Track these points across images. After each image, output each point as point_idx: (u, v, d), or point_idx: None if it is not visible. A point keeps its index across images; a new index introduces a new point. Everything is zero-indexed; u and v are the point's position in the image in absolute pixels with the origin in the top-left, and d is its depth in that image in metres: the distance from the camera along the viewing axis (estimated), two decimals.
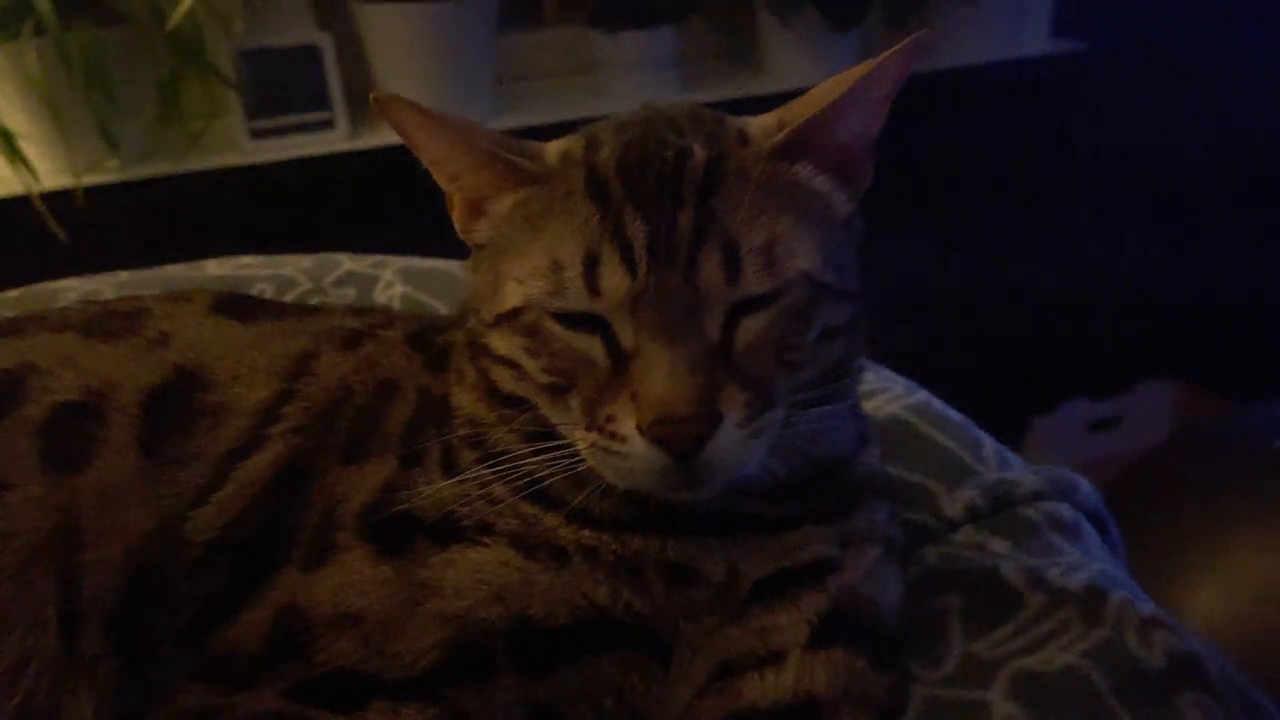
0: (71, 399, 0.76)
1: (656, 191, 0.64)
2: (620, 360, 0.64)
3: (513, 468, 0.68)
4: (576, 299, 0.64)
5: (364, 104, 1.87)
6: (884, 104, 0.68)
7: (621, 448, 0.63)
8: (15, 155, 1.60)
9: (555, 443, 0.68)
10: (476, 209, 0.72)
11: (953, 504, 0.84)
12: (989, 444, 0.90)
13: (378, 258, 1.17)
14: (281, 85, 1.80)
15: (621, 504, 0.69)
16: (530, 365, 0.68)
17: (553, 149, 0.71)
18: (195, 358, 0.79)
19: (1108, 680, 0.68)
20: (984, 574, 0.77)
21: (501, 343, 0.69)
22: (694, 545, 0.69)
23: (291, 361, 0.80)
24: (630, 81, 1.90)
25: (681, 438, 0.61)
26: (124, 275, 1.16)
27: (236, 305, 0.87)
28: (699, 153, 0.66)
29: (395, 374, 0.79)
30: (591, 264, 0.63)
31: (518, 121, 1.87)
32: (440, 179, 0.73)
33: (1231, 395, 2.33)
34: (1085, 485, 0.86)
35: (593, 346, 0.65)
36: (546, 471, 0.67)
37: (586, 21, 1.91)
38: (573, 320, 0.65)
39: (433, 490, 0.70)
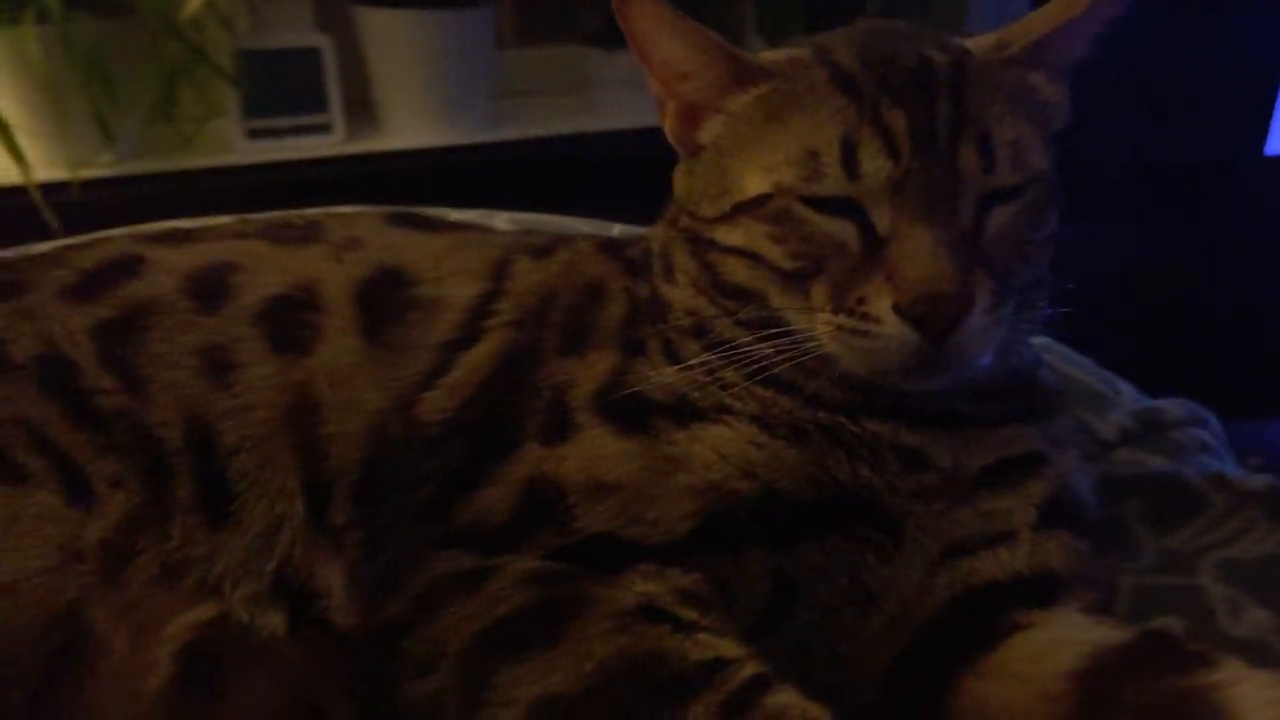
0: (282, 292, 0.77)
1: (909, 85, 0.68)
2: (873, 244, 0.67)
3: (742, 355, 0.71)
4: (834, 183, 0.67)
5: (362, 108, 1.89)
6: (1099, 30, 0.73)
7: (873, 328, 0.65)
8: (11, 146, 1.54)
9: (782, 329, 0.70)
10: (695, 112, 0.75)
11: (1105, 427, 0.91)
12: (1119, 380, 0.97)
13: (481, 210, 1.17)
14: (280, 87, 1.78)
15: (853, 393, 0.71)
16: (773, 252, 0.70)
17: (773, 55, 0.75)
18: (396, 258, 0.81)
19: None
20: (1164, 478, 0.83)
21: (735, 234, 0.72)
22: (923, 433, 0.72)
23: (491, 265, 0.82)
24: (623, 99, 1.95)
25: (940, 316, 0.64)
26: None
27: (413, 219, 0.88)
28: (939, 56, 0.71)
29: (597, 277, 0.81)
30: (849, 150, 0.67)
31: (513, 134, 1.90)
32: (661, 82, 0.76)
33: None
34: (1213, 418, 0.94)
35: (845, 230, 0.67)
36: (778, 358, 0.70)
37: (582, 40, 1.96)
38: (824, 205, 0.68)
39: (662, 376, 0.72)
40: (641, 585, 0.64)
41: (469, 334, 0.77)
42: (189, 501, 0.70)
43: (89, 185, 1.62)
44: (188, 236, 0.83)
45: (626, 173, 1.86)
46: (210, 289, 0.77)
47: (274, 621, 0.68)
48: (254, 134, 1.78)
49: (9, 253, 0.93)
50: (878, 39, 0.73)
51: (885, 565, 0.71)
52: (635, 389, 0.72)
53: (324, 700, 0.66)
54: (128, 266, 0.78)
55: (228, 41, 1.71)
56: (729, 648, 0.61)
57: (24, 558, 0.63)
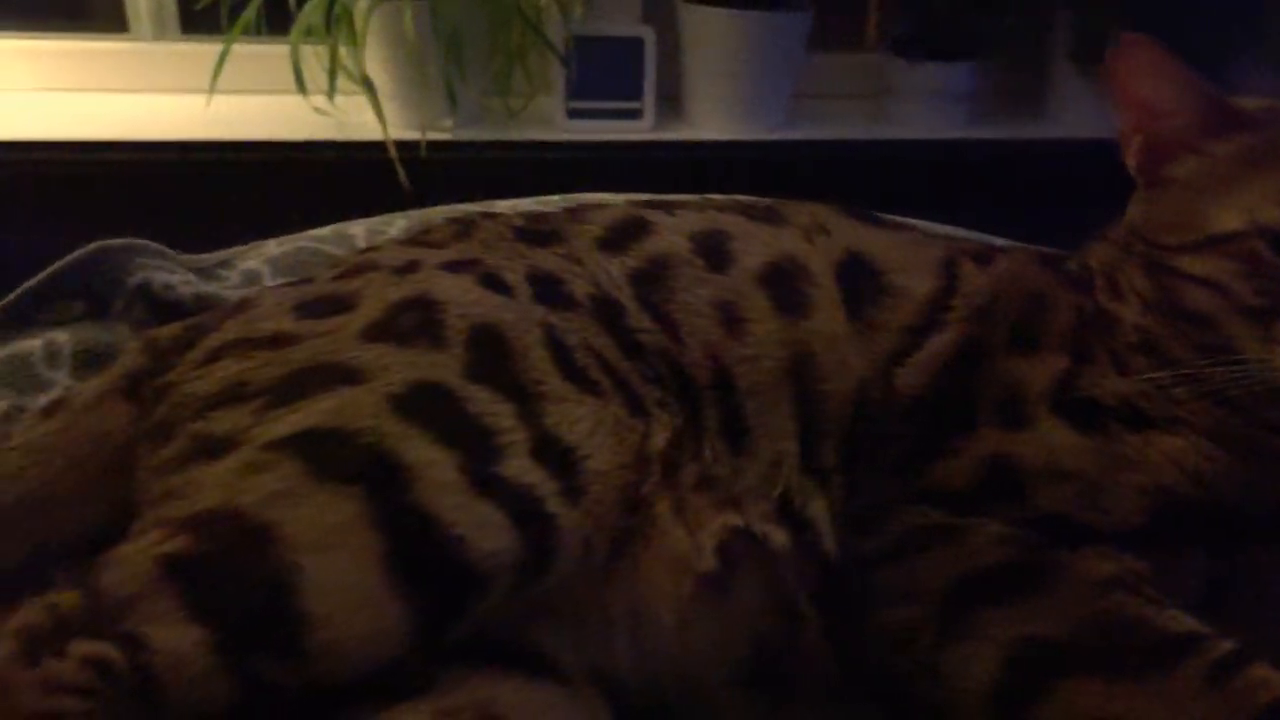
0: (774, 261, 0.86)
1: None
2: None
3: (1193, 376, 0.76)
4: None
5: (671, 99, 1.99)
6: None
7: None
8: (377, 107, 1.70)
9: (1237, 356, 0.75)
10: (1166, 148, 0.82)
11: None
12: None
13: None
14: (602, 71, 1.90)
15: None
16: (1239, 287, 0.75)
17: (1255, 103, 0.82)
18: (860, 246, 0.89)
19: None
20: None
21: (1200, 265, 0.78)
22: None
23: (940, 263, 0.89)
24: (920, 110, 2.00)
25: None
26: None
27: (863, 214, 0.96)
28: None
29: (1040, 287, 0.88)
30: None
31: (811, 135, 1.98)
32: (1134, 120, 0.83)
33: None
34: None
35: None
36: (1230, 382, 0.75)
37: (886, 49, 2.02)
38: None
39: (1115, 383, 0.78)
40: (1100, 563, 0.71)
41: (929, 322, 0.84)
42: (715, 429, 0.79)
43: (433, 146, 1.76)
44: (670, 205, 0.93)
45: (919, 180, 1.93)
46: (715, 250, 0.86)
47: (779, 539, 0.77)
48: (574, 113, 1.91)
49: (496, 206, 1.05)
50: None
51: None
52: (1088, 392, 0.78)
53: (802, 609, 0.76)
54: (640, 225, 0.88)
55: (563, 26, 1.84)
56: (1198, 625, 0.67)
57: (611, 454, 0.73)
